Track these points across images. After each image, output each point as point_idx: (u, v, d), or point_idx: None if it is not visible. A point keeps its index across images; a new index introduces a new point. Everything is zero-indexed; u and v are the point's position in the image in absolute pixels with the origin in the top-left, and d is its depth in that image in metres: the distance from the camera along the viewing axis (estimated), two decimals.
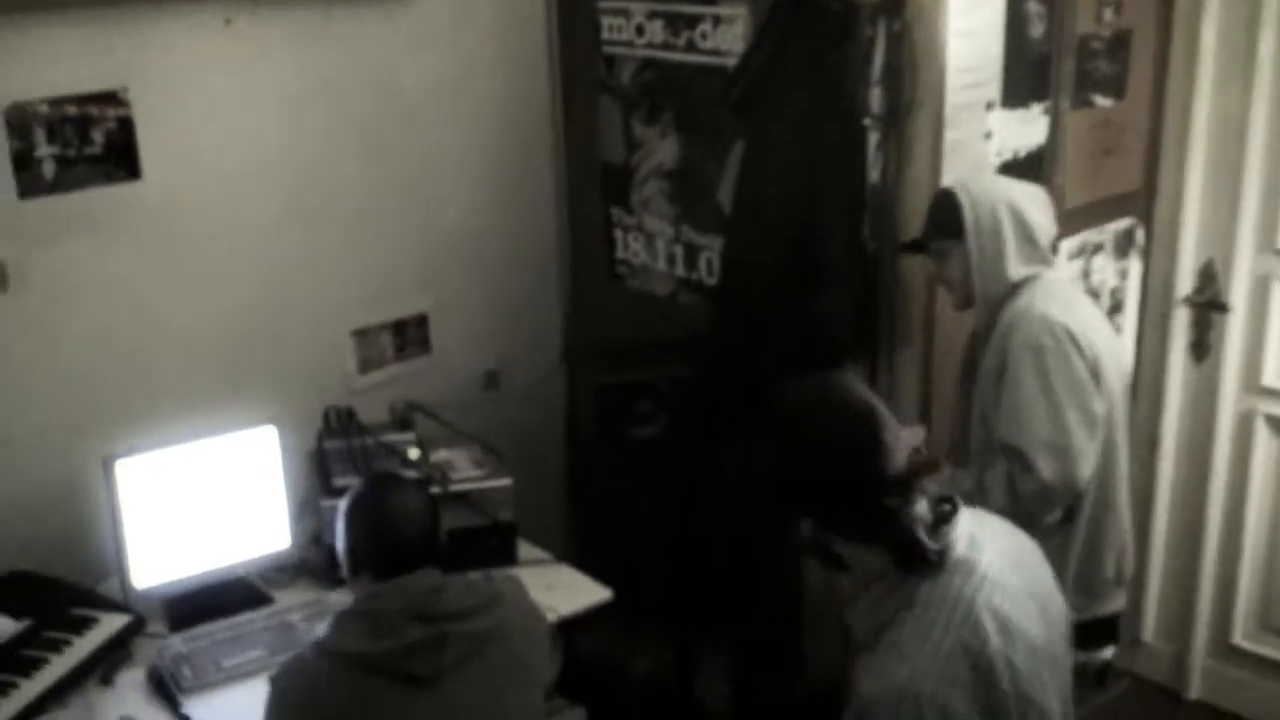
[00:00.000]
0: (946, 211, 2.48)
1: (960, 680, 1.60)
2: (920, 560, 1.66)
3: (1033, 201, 2.49)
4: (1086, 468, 2.42)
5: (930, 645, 1.62)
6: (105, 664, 2.54)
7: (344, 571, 2.20)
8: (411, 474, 2.69)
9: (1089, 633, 2.54)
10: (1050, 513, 2.48)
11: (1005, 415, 2.42)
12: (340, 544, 2.19)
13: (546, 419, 3.67)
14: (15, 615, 2.53)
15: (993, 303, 2.48)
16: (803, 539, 1.75)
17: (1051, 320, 2.42)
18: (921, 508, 1.68)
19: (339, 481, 2.80)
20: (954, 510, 1.71)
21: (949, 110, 2.71)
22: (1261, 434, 3.30)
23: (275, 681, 2.08)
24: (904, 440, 2.61)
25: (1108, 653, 2.67)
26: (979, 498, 2.40)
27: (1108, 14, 3.01)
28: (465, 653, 2.03)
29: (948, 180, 2.65)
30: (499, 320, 3.53)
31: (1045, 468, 2.38)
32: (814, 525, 1.73)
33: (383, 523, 2.12)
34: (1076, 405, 2.40)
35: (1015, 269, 2.45)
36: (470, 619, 2.06)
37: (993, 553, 1.71)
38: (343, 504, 2.21)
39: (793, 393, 1.78)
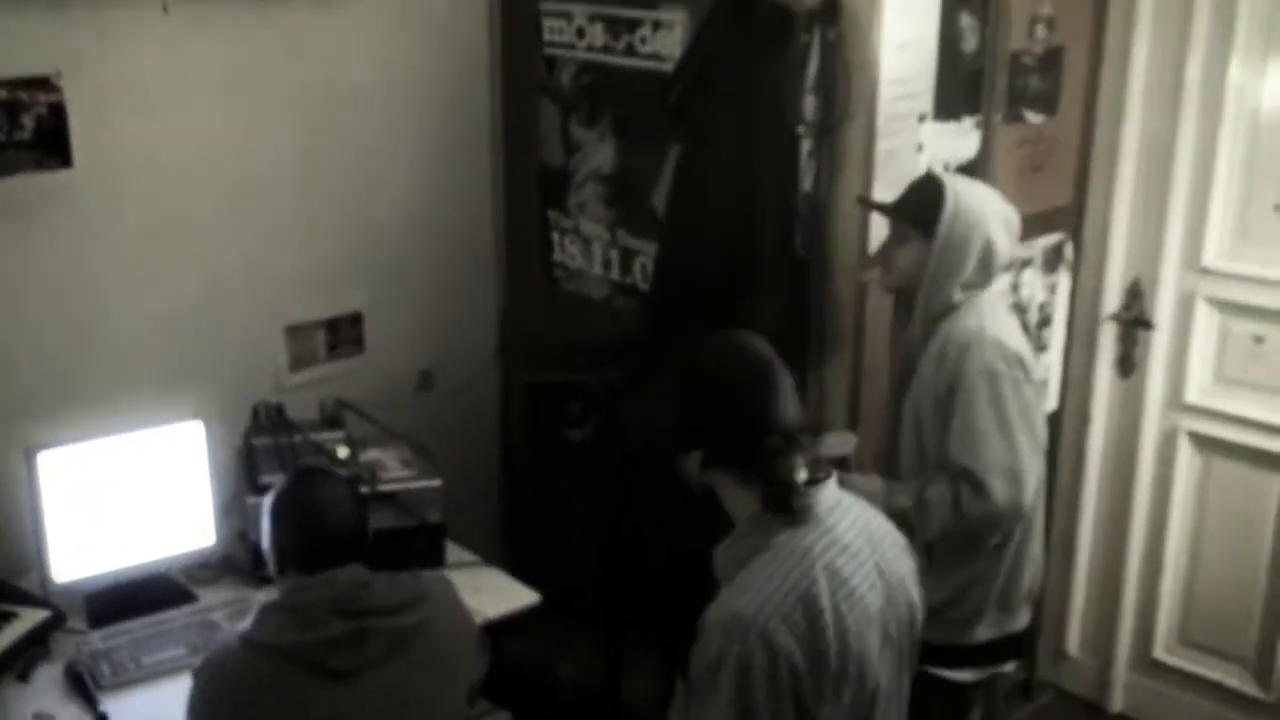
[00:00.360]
0: (928, 205, 2.44)
1: (790, 620, 1.70)
2: (784, 506, 1.76)
3: (1006, 229, 2.48)
4: (1032, 491, 2.46)
5: (772, 585, 1.73)
6: (23, 660, 2.51)
7: (270, 568, 2.19)
8: (341, 472, 2.68)
9: (999, 649, 2.59)
10: (996, 535, 2.51)
11: (958, 437, 2.42)
12: (265, 539, 2.18)
13: (479, 420, 3.67)
14: None
15: (933, 314, 2.50)
16: (688, 474, 1.86)
17: (1005, 345, 2.44)
18: (798, 463, 1.78)
19: (265, 479, 2.78)
20: (826, 477, 1.83)
21: (881, 120, 2.75)
22: (1184, 450, 3.37)
23: (198, 673, 2.08)
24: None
25: (1009, 667, 2.71)
26: (917, 513, 2.42)
27: (1040, 31, 3.06)
28: (387, 649, 2.04)
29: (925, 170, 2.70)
30: (433, 320, 3.53)
31: (999, 491, 2.40)
32: (701, 459, 1.82)
33: (308, 516, 2.12)
34: (1027, 430, 2.43)
35: (961, 291, 2.46)
36: (394, 615, 2.06)
37: (850, 523, 1.82)
38: (268, 499, 2.20)
39: (698, 342, 1.90)
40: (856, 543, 1.80)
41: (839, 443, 2.69)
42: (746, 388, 1.81)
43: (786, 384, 1.83)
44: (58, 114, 2.76)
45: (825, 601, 1.72)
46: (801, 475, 1.78)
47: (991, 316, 2.48)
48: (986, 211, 2.46)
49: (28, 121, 2.73)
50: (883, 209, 2.61)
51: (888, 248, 2.59)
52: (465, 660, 2.22)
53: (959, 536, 2.47)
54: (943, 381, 2.44)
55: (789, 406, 1.81)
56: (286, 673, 1.99)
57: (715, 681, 1.70)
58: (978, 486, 2.39)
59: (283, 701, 2.00)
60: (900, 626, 1.84)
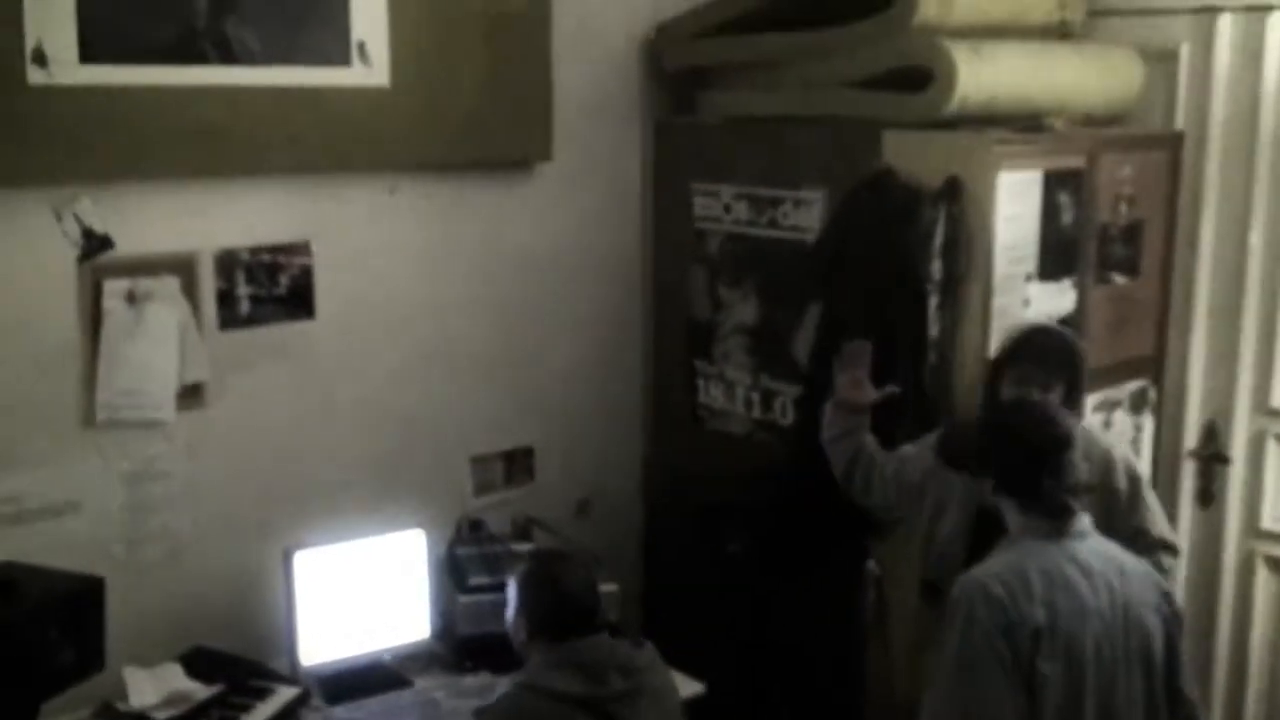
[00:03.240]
0: (1070, 356, 3.06)
1: (1004, 581, 2.41)
2: (1046, 517, 2.49)
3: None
4: None
5: (1000, 565, 2.47)
6: None
7: (518, 637, 2.60)
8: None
9: None
10: None
11: (1149, 517, 3.07)
12: (512, 611, 2.61)
13: (626, 543, 4.11)
14: (205, 682, 2.96)
15: None
16: (984, 489, 2.65)
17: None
18: (1061, 499, 2.52)
19: (474, 581, 3.26)
20: (1080, 510, 2.54)
21: (996, 280, 3.24)
22: (1261, 573, 3.77)
23: (490, 713, 2.48)
24: None
25: None
26: None
27: (1123, 207, 3.58)
28: (651, 701, 2.47)
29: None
30: (592, 455, 4.01)
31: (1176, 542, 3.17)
32: (994, 484, 2.59)
33: (558, 589, 2.55)
34: None
35: None
36: (649, 674, 2.49)
37: (1090, 548, 2.50)
38: (516, 577, 2.65)
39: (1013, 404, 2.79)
40: (1088, 560, 2.46)
41: None
42: (1036, 445, 2.53)
43: (1079, 455, 2.56)
44: (307, 274, 3.33)
45: (1035, 579, 2.39)
46: (1063, 505, 2.50)
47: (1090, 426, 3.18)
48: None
49: (284, 280, 3.31)
50: (1039, 366, 3.02)
51: (1019, 392, 2.99)
52: (680, 713, 2.66)
53: None
54: (1091, 476, 2.90)
55: (1064, 467, 2.51)
56: (573, 717, 2.40)
57: (950, 622, 2.42)
58: (1171, 549, 3.05)
59: None
60: (1128, 637, 2.45)
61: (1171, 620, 2.55)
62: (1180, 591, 3.84)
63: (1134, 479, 3.08)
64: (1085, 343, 3.40)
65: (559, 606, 2.55)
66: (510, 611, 2.63)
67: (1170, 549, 3.09)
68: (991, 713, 2.36)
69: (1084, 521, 2.52)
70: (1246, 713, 3.83)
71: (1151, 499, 3.11)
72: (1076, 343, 3.14)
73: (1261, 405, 3.72)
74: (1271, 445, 3.72)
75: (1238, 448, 3.75)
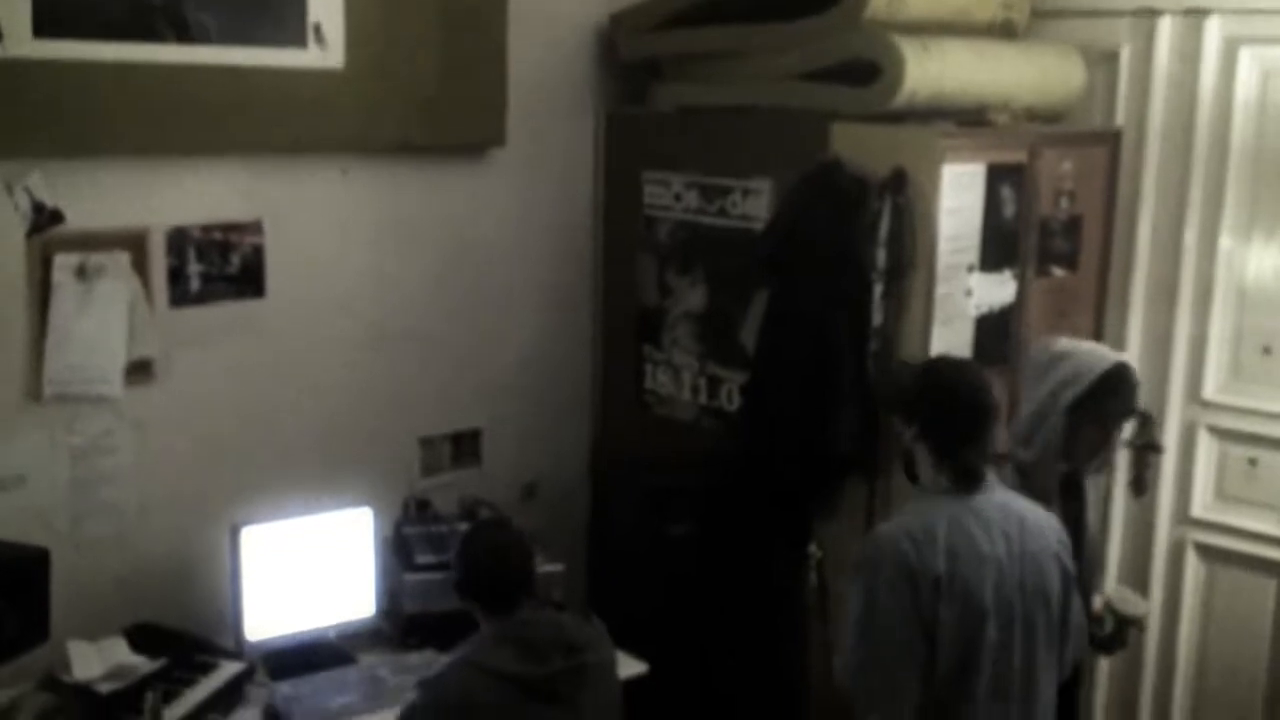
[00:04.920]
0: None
1: (909, 533, 2.53)
2: (960, 479, 2.60)
3: None
4: None
5: (906, 518, 2.61)
6: (224, 702, 2.97)
7: (470, 607, 2.64)
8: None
9: None
10: None
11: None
12: (458, 581, 2.66)
13: (571, 526, 4.15)
14: (150, 657, 2.97)
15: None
16: (902, 434, 2.72)
17: None
18: (981, 458, 2.64)
19: (420, 559, 3.30)
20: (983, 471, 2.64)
21: (939, 270, 3.30)
22: (1191, 560, 3.87)
23: (430, 685, 2.51)
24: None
25: None
26: None
27: (1064, 202, 3.66)
28: (593, 680, 2.51)
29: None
30: (540, 438, 4.05)
31: None
32: (916, 431, 2.66)
33: (491, 554, 2.61)
34: None
35: None
36: (592, 651, 2.53)
37: (992, 501, 2.60)
38: (457, 550, 2.69)
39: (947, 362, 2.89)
40: (989, 513, 2.58)
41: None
42: (969, 408, 2.61)
43: (990, 426, 2.63)
44: (258, 253, 3.35)
45: (940, 532, 2.51)
46: (974, 472, 2.60)
47: None
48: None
49: (235, 259, 3.32)
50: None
51: (1115, 439, 3.09)
52: (619, 693, 2.70)
53: None
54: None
55: (985, 440, 2.61)
56: (514, 695, 2.43)
57: (856, 573, 2.55)
58: None
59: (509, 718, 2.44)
60: (1025, 585, 2.57)
61: (1065, 562, 2.67)
62: (1113, 577, 3.96)
63: None
64: (1024, 333, 3.51)
65: (491, 571, 2.59)
66: (455, 580, 2.67)
67: None
68: (895, 659, 2.48)
69: (989, 482, 2.63)
70: (1175, 698, 3.93)
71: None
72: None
73: (1194, 396, 3.82)
74: (1203, 435, 3.82)
75: (1170, 438, 3.84)
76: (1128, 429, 3.14)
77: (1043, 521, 2.67)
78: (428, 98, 3.50)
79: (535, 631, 2.51)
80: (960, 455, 2.60)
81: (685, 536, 3.63)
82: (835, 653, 2.73)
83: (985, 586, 2.51)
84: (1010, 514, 2.61)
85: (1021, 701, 2.58)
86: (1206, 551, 3.85)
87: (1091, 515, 3.17)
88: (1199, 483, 3.84)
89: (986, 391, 2.66)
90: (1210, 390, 3.79)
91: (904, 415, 2.70)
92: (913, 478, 2.73)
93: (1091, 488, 3.17)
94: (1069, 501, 3.08)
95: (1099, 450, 3.03)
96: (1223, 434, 3.80)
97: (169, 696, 2.86)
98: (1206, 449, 3.82)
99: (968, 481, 2.60)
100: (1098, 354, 3.01)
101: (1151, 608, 3.89)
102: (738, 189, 3.66)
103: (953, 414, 2.62)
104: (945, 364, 2.92)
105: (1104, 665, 4.03)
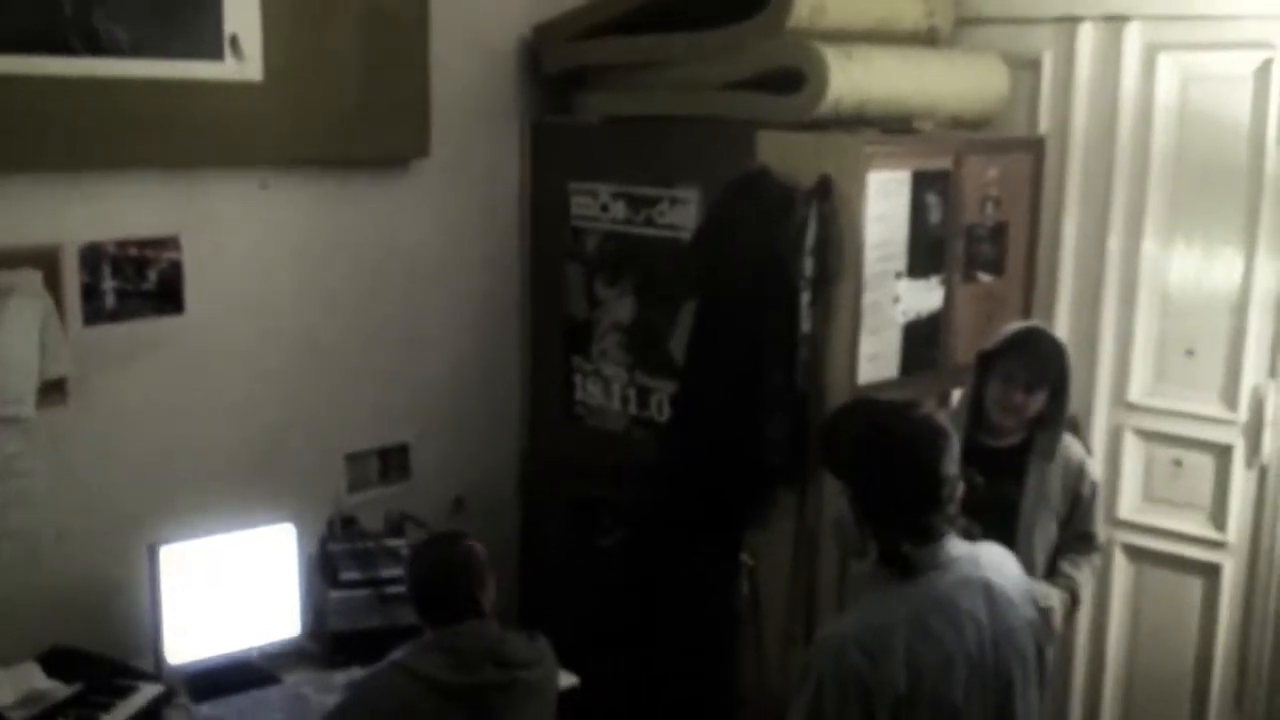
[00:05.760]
0: (1065, 368, 3.11)
1: (863, 645, 2.18)
2: (891, 562, 2.27)
3: None
4: None
5: (860, 618, 2.25)
6: None
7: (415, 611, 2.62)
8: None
9: None
10: None
11: (1095, 520, 3.25)
12: (410, 596, 2.62)
13: (502, 539, 4.09)
14: (65, 682, 2.90)
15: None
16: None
17: None
18: (903, 536, 2.28)
19: (345, 576, 3.25)
20: (941, 536, 2.28)
21: (866, 277, 3.31)
22: (1120, 561, 3.90)
23: (358, 687, 2.48)
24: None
25: None
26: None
27: (989, 208, 3.68)
28: (524, 696, 2.47)
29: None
30: (468, 452, 4.01)
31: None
32: (850, 498, 2.35)
33: (433, 570, 2.57)
34: None
35: None
36: (529, 669, 2.50)
37: (953, 580, 2.27)
38: (407, 561, 2.66)
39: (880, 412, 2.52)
40: (953, 596, 2.24)
41: (1042, 595, 2.98)
42: (915, 467, 2.25)
43: (951, 478, 2.27)
44: (176, 269, 3.29)
45: (899, 640, 2.18)
46: (905, 547, 2.25)
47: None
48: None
49: (152, 274, 3.25)
50: (1033, 371, 3.10)
51: (1025, 400, 3.10)
52: (554, 712, 2.67)
53: None
54: (1067, 488, 3.16)
55: (949, 496, 2.26)
56: (441, 704, 2.40)
57: (801, 686, 2.24)
58: (1101, 549, 3.25)
59: None
60: (998, 672, 2.27)
61: (1039, 631, 2.41)
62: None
63: (1094, 487, 3.25)
64: (952, 340, 3.52)
65: (432, 587, 2.57)
66: (408, 594, 2.65)
67: (1100, 549, 3.34)
68: None
69: (950, 545, 2.29)
70: (1105, 697, 3.95)
71: (1101, 502, 3.31)
72: (1065, 348, 3.19)
73: (1120, 399, 3.85)
74: (1129, 437, 3.85)
75: (1098, 440, 3.87)
76: (1041, 400, 3.12)
77: (1010, 584, 2.35)
78: (349, 109, 3.45)
79: (468, 641, 2.49)
80: (924, 527, 2.24)
81: (616, 547, 3.60)
82: None
83: (956, 691, 2.21)
84: (974, 589, 2.26)
85: None
86: (1134, 553, 3.88)
87: (1029, 504, 3.16)
88: (1126, 485, 3.87)
89: (944, 434, 2.28)
90: (1136, 393, 3.82)
91: (840, 476, 2.42)
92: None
93: (1039, 477, 3.16)
94: (1006, 482, 3.11)
95: (1005, 411, 3.11)
96: (1148, 436, 3.83)
97: None
98: (1133, 451, 3.86)
99: (929, 546, 2.25)
100: (1022, 323, 3.29)
101: (1066, 602, 3.92)
102: (665, 199, 3.65)
103: (890, 480, 2.27)
104: (879, 419, 2.45)
105: None
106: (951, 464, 2.27)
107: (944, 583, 2.25)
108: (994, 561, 2.38)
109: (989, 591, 2.29)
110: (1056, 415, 3.15)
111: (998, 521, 2.88)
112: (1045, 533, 3.20)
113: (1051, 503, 3.19)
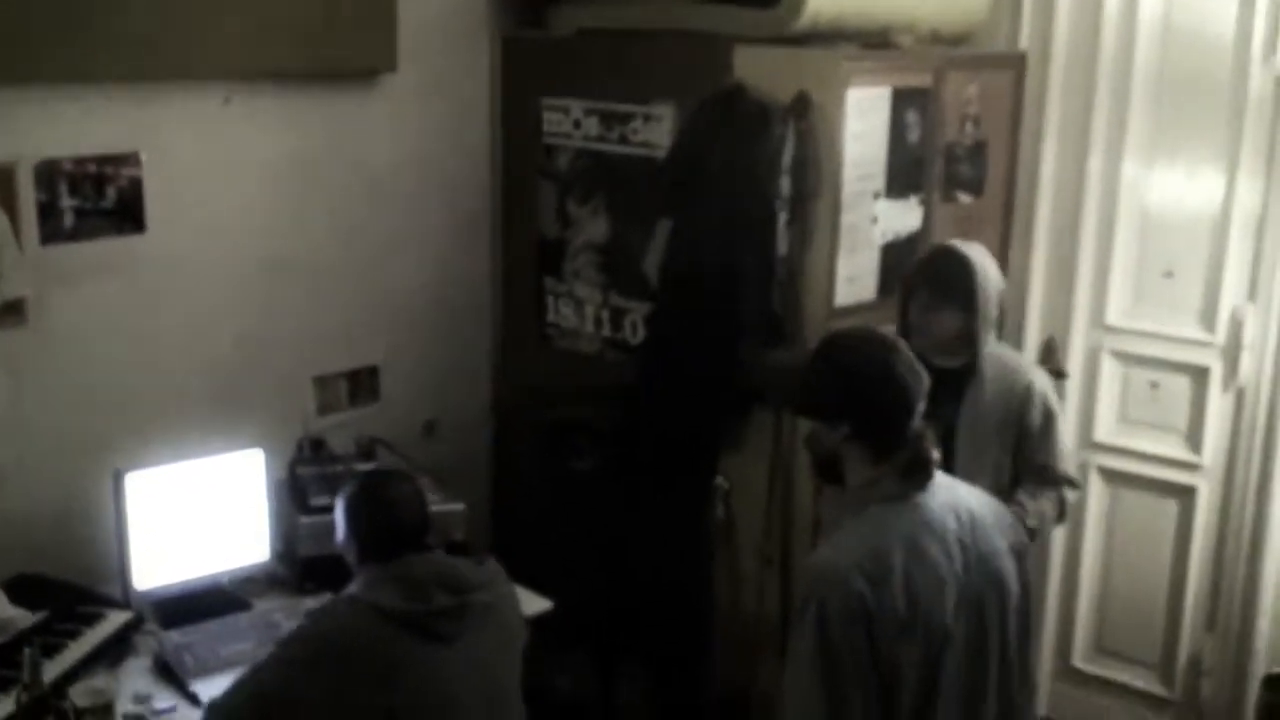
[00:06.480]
0: (965, 280, 3.01)
1: (863, 568, 2.14)
2: (918, 472, 2.23)
3: (1001, 277, 3.13)
4: None
5: (853, 543, 2.19)
6: (110, 654, 2.86)
7: (350, 559, 2.57)
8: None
9: None
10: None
11: (1051, 452, 3.10)
12: (342, 535, 2.57)
13: (474, 462, 4.07)
14: (31, 610, 2.84)
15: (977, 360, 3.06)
16: (823, 440, 2.30)
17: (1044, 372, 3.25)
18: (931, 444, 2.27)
19: (315, 501, 3.19)
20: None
21: (844, 197, 3.25)
22: (1095, 482, 3.90)
23: (314, 617, 2.44)
24: None
25: None
26: (1037, 527, 3.06)
27: (969, 127, 3.62)
28: (478, 618, 2.44)
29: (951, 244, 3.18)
30: (439, 374, 3.95)
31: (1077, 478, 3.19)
32: (848, 431, 2.25)
33: (384, 511, 2.51)
34: None
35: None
36: (480, 591, 2.46)
37: (941, 502, 2.25)
38: (341, 500, 2.59)
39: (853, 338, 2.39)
40: (942, 518, 2.22)
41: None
42: (904, 384, 2.23)
43: (923, 384, 2.27)
44: (136, 187, 3.18)
45: (896, 560, 2.15)
46: (925, 459, 2.23)
47: (1014, 352, 3.19)
48: (993, 268, 3.08)
49: (111, 192, 3.15)
50: (924, 286, 3.07)
51: (922, 319, 3.06)
52: (519, 633, 2.64)
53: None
54: (1011, 413, 3.05)
55: (921, 387, 2.25)
56: (396, 633, 2.36)
57: (803, 615, 2.15)
58: (1074, 484, 3.11)
59: (388, 656, 2.36)
60: (984, 592, 2.25)
61: (1022, 555, 2.37)
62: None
63: (1048, 415, 3.10)
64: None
65: (384, 528, 2.51)
66: (339, 535, 2.59)
67: (1073, 484, 3.17)
68: (847, 707, 2.14)
69: (935, 473, 2.28)
70: (1078, 618, 3.97)
71: (1061, 434, 3.14)
72: (977, 264, 3.04)
73: (1097, 321, 3.83)
74: (1106, 359, 3.84)
75: (1074, 363, 3.85)
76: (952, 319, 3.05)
77: (992, 513, 2.34)
78: (313, 20, 3.33)
79: (418, 570, 2.45)
80: (909, 445, 2.23)
81: (590, 471, 3.56)
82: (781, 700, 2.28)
83: (947, 614, 2.19)
84: (961, 511, 2.26)
85: None
86: (1110, 475, 3.88)
87: (963, 426, 3.05)
88: (1102, 407, 3.86)
89: (910, 357, 2.29)
90: (1113, 315, 3.80)
91: (829, 417, 2.28)
92: (833, 479, 2.34)
93: (973, 399, 3.06)
94: (946, 403, 3.00)
95: (918, 333, 3.03)
96: (1125, 358, 3.82)
97: (51, 650, 2.73)
98: (1110, 373, 3.84)
99: (920, 475, 2.23)
100: (937, 243, 3.26)
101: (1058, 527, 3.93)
102: (639, 115, 3.56)
103: (888, 400, 2.23)
104: (855, 342, 2.37)
105: None
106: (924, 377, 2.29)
107: (932, 506, 2.24)
108: (969, 489, 2.37)
109: (973, 519, 2.27)
110: (972, 334, 3.04)
111: (939, 444, 2.84)
112: (986, 458, 3.05)
113: (988, 426, 3.06)
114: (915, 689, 2.18)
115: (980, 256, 3.09)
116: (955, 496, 2.30)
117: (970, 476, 2.73)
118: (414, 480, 2.68)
